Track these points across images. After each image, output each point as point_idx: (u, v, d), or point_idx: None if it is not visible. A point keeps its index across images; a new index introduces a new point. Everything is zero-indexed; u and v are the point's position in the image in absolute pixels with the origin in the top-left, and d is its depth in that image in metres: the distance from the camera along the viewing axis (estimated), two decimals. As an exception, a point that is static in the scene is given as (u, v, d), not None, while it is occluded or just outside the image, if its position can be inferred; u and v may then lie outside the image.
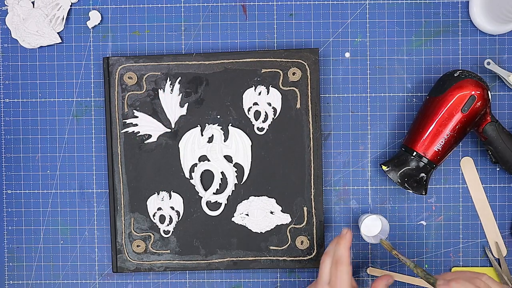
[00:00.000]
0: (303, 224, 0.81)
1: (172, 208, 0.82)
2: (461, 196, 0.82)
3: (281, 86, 0.81)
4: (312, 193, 0.81)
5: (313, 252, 0.81)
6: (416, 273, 0.71)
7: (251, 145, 0.82)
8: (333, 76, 0.83)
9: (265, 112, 0.81)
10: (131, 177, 0.82)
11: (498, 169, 0.82)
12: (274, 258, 0.82)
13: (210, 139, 0.82)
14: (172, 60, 0.81)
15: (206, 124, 0.82)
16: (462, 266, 0.82)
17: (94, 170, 0.84)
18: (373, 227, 0.76)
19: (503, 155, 0.78)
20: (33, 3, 0.83)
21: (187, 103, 0.81)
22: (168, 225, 0.82)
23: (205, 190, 0.82)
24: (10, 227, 0.84)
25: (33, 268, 0.84)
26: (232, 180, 0.82)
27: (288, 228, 0.81)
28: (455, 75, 0.76)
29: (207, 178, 0.82)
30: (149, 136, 0.82)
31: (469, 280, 0.65)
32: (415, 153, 0.77)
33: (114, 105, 0.82)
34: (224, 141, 0.81)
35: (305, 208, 0.81)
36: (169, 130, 0.82)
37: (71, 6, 0.83)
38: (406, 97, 0.83)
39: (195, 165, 0.82)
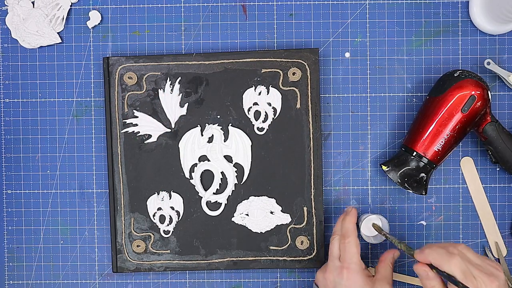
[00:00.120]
0: (303, 224, 0.81)
1: (172, 208, 0.82)
2: (461, 196, 0.82)
3: (281, 86, 0.81)
4: (312, 193, 0.81)
5: (313, 252, 0.81)
6: (400, 248, 0.72)
7: (251, 145, 0.82)
8: (333, 76, 0.83)
9: (265, 112, 0.81)
10: (131, 177, 0.82)
11: (498, 169, 0.82)
12: (274, 258, 0.82)
13: (210, 139, 0.82)
14: (172, 60, 0.81)
15: (206, 124, 0.82)
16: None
17: (94, 170, 0.84)
18: (372, 227, 0.77)
19: (503, 155, 0.78)
20: (33, 3, 0.83)
21: (187, 103, 0.81)
22: (168, 225, 0.82)
23: (205, 190, 0.82)
24: (10, 227, 0.84)
25: (33, 268, 0.84)
26: (232, 180, 0.82)
27: (288, 228, 0.81)
28: (455, 75, 0.76)
29: (207, 178, 0.82)
30: (149, 136, 0.82)
31: (443, 247, 0.66)
32: (415, 153, 0.77)
33: (114, 105, 0.82)
34: (224, 141, 0.81)
35: (305, 208, 0.81)
36: (169, 130, 0.82)
37: (71, 6, 0.83)
38: (406, 97, 0.83)
39: (195, 165, 0.82)
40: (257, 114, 0.81)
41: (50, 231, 0.84)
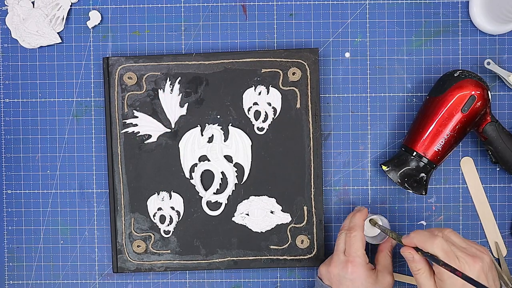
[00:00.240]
0: (303, 224, 0.81)
1: (173, 208, 0.82)
2: (461, 196, 0.82)
3: (281, 86, 0.81)
4: (312, 192, 0.81)
5: (313, 251, 0.81)
6: (391, 236, 0.73)
7: (251, 145, 0.82)
8: (333, 76, 0.83)
9: (265, 112, 0.81)
10: (131, 177, 0.82)
11: (498, 169, 0.82)
12: (275, 257, 0.82)
13: (210, 139, 0.82)
14: (172, 60, 0.81)
15: (206, 124, 0.82)
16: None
17: (94, 170, 0.84)
18: (373, 227, 0.77)
19: (503, 155, 0.78)
20: (33, 3, 0.83)
21: (187, 103, 0.81)
22: (168, 225, 0.82)
23: (205, 190, 0.82)
24: (10, 227, 0.84)
25: (33, 268, 0.84)
26: (232, 180, 0.82)
27: (288, 228, 0.81)
28: (455, 75, 0.76)
29: (207, 178, 0.82)
30: (149, 136, 0.82)
31: (429, 231, 0.69)
32: (415, 153, 0.77)
33: (114, 105, 0.81)
34: (224, 141, 0.82)
35: (305, 208, 0.81)
36: (169, 130, 0.82)
37: (71, 6, 0.83)
38: (406, 97, 0.83)
39: (195, 165, 0.82)
40: (257, 114, 0.81)
41: (50, 231, 0.84)
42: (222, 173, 0.82)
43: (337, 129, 0.83)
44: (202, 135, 0.82)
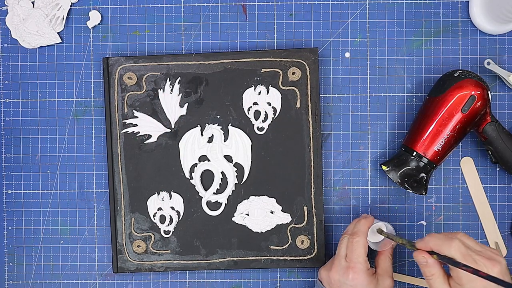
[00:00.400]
0: (303, 224, 0.81)
1: (173, 208, 0.82)
2: (461, 196, 0.82)
3: (280, 86, 0.81)
4: (312, 192, 0.81)
5: (314, 251, 0.81)
6: (402, 243, 0.71)
7: (251, 145, 0.82)
8: (333, 76, 0.83)
9: (265, 111, 0.81)
10: (131, 177, 0.82)
11: (498, 169, 0.82)
12: (275, 257, 0.82)
13: (210, 139, 0.82)
14: (172, 60, 0.81)
15: (206, 124, 0.82)
16: (462, 266, 0.82)
17: (94, 170, 0.84)
18: (377, 233, 0.76)
19: (503, 155, 0.78)
20: (33, 3, 0.83)
21: (187, 103, 0.81)
22: (168, 225, 0.82)
23: (205, 190, 0.82)
24: (10, 227, 0.84)
25: (33, 268, 0.84)
26: (232, 180, 0.82)
27: (289, 228, 0.81)
28: (455, 75, 0.76)
29: (207, 178, 0.82)
30: (149, 136, 0.82)
31: (444, 234, 0.67)
32: (415, 153, 0.77)
33: (114, 105, 0.81)
34: (224, 141, 0.82)
35: (305, 208, 0.81)
36: (169, 130, 0.82)
37: (71, 6, 0.83)
38: (406, 97, 0.83)
39: (195, 165, 0.82)
40: (257, 114, 0.81)
41: (50, 231, 0.84)
42: (222, 173, 0.82)
43: (337, 129, 0.83)
44: (202, 135, 0.82)
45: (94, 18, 0.83)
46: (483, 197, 0.82)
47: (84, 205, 0.84)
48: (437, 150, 0.77)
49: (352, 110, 0.83)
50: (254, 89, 0.81)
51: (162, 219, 0.82)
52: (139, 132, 0.82)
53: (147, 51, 0.83)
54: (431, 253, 0.66)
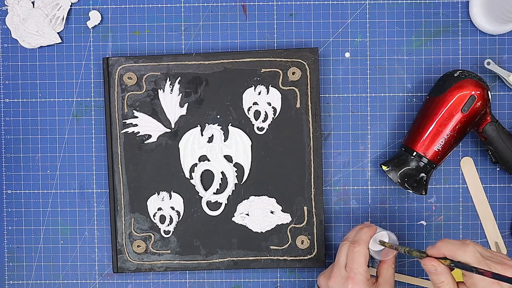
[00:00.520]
0: (303, 224, 0.81)
1: (173, 208, 0.82)
2: (461, 196, 0.82)
3: (280, 86, 0.81)
4: (312, 192, 0.81)
5: (314, 251, 0.81)
6: (411, 254, 0.68)
7: (251, 145, 0.82)
8: (333, 76, 0.83)
9: (265, 111, 0.81)
10: (131, 177, 0.82)
11: (498, 169, 0.82)
12: (275, 257, 0.82)
13: (210, 139, 0.82)
14: (172, 60, 0.81)
15: (206, 124, 0.82)
16: (462, 266, 0.82)
17: (94, 170, 0.84)
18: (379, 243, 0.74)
19: (503, 155, 0.78)
20: (33, 3, 0.83)
21: (187, 103, 0.81)
22: (168, 225, 0.82)
23: (205, 190, 0.82)
24: (10, 227, 0.84)
25: (33, 268, 0.84)
26: (232, 180, 0.82)
27: (289, 228, 0.81)
28: (455, 75, 0.76)
29: (207, 178, 0.82)
30: (149, 136, 0.82)
31: (456, 240, 0.65)
32: (415, 153, 0.77)
33: (114, 105, 0.82)
34: (224, 141, 0.82)
35: (305, 208, 0.81)
36: (169, 130, 0.82)
37: (71, 6, 0.83)
38: (406, 97, 0.83)
39: (195, 165, 0.82)
40: (257, 114, 0.81)
41: (50, 231, 0.84)
42: (222, 173, 0.82)
43: (337, 129, 0.83)
44: (202, 135, 0.82)
45: (94, 18, 0.83)
46: (483, 197, 0.82)
47: (84, 205, 0.84)
48: (437, 150, 0.77)
49: (352, 110, 0.83)
50: (254, 89, 0.81)
51: (162, 219, 0.82)
52: (139, 132, 0.82)
53: (147, 51, 0.83)
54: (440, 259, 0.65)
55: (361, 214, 0.82)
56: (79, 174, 0.84)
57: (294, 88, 0.81)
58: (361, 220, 0.83)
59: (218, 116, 0.81)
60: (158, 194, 0.82)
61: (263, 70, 0.81)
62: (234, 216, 0.82)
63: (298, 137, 0.81)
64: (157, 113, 0.82)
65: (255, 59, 0.81)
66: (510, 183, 0.82)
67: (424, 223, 0.83)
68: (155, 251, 0.82)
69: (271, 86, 0.81)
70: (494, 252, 0.66)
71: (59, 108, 0.84)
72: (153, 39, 0.83)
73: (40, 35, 0.82)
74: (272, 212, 0.81)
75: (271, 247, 0.82)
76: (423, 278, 0.82)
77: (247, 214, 0.82)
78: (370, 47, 0.83)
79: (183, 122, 0.82)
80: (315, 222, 0.81)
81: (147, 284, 0.84)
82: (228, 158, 0.82)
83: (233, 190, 0.82)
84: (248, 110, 0.81)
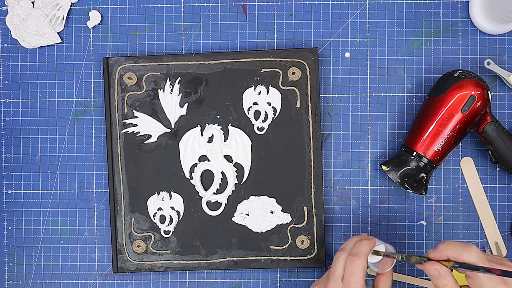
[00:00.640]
0: (303, 224, 0.81)
1: (173, 208, 0.82)
2: (461, 196, 0.82)
3: (280, 86, 0.81)
4: (312, 192, 0.81)
5: (314, 251, 0.81)
6: (411, 261, 0.67)
7: (251, 145, 0.82)
8: (333, 76, 0.83)
9: (265, 111, 0.81)
10: (131, 177, 0.82)
11: (498, 169, 0.82)
12: (275, 257, 0.82)
13: (210, 139, 0.82)
14: (172, 60, 0.81)
15: (206, 124, 0.82)
16: (462, 266, 0.82)
17: (94, 170, 0.84)
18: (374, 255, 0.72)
19: (503, 155, 0.78)
20: (33, 3, 0.83)
21: (187, 103, 0.81)
22: (168, 225, 0.82)
23: (205, 190, 0.82)
24: (10, 227, 0.84)
25: (33, 268, 0.84)
26: (232, 180, 0.82)
27: (289, 228, 0.81)
28: (455, 75, 0.76)
29: (207, 178, 0.82)
30: (149, 136, 0.82)
31: (458, 242, 0.65)
32: (415, 153, 0.77)
33: (114, 105, 0.82)
34: (224, 141, 0.82)
35: (305, 208, 0.81)
36: (169, 130, 0.82)
37: (71, 6, 0.83)
38: (406, 97, 0.83)
39: (195, 165, 0.82)
40: (257, 114, 0.81)
41: (50, 231, 0.84)
42: (222, 173, 0.82)
43: (337, 129, 0.83)
44: (202, 135, 0.82)
45: (94, 18, 0.83)
46: (483, 197, 0.82)
47: (84, 205, 0.84)
48: (437, 150, 0.77)
49: (352, 110, 0.83)
50: (254, 89, 0.81)
51: (162, 219, 0.82)
52: (139, 132, 0.82)
53: (147, 51, 0.83)
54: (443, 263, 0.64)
55: (361, 214, 0.82)
56: (79, 174, 0.84)
57: (294, 88, 0.81)
58: (361, 220, 0.83)
59: (218, 116, 0.81)
60: (158, 194, 0.82)
61: (263, 70, 0.81)
62: (234, 216, 0.82)
63: (298, 137, 0.81)
64: (157, 113, 0.82)
65: (255, 59, 0.81)
66: (510, 183, 0.82)
67: (424, 223, 0.83)
68: (155, 251, 0.82)
69: (271, 86, 0.81)
70: (493, 255, 0.66)
71: (59, 108, 0.84)
72: (153, 39, 0.83)
73: (40, 35, 0.82)
74: (272, 212, 0.81)
75: (271, 247, 0.82)
76: (423, 278, 0.82)
77: (247, 214, 0.82)
78: (370, 47, 0.83)
79: (183, 122, 0.82)
80: (315, 222, 0.81)
81: (147, 284, 0.84)
82: (228, 158, 0.82)
83: (233, 190, 0.82)
84: (248, 110, 0.81)
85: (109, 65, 0.81)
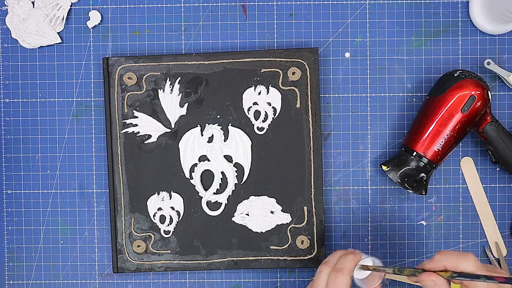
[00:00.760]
0: (303, 224, 0.81)
1: (173, 208, 0.82)
2: (461, 196, 0.82)
3: (280, 86, 0.81)
4: (312, 192, 0.81)
5: (314, 251, 0.81)
6: (404, 274, 0.65)
7: (251, 145, 0.82)
8: (333, 76, 0.83)
9: (265, 111, 0.81)
10: (131, 177, 0.82)
11: (498, 169, 0.82)
12: (275, 257, 0.82)
13: (210, 139, 0.82)
14: (172, 60, 0.81)
15: (206, 124, 0.82)
16: (462, 266, 0.82)
17: (94, 170, 0.84)
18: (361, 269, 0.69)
19: (503, 155, 0.78)
20: (33, 3, 0.83)
21: (187, 103, 0.81)
22: (168, 225, 0.82)
23: (205, 190, 0.82)
24: (10, 227, 0.84)
25: (33, 268, 0.84)
26: (232, 180, 0.82)
27: (289, 228, 0.81)
28: (455, 75, 0.76)
29: (207, 178, 0.82)
30: (149, 136, 0.82)
31: (454, 251, 0.63)
32: (415, 153, 0.77)
33: (114, 105, 0.82)
34: (224, 141, 0.82)
35: (305, 208, 0.81)
36: (169, 130, 0.82)
37: (71, 6, 0.83)
38: (406, 97, 0.83)
39: (195, 165, 0.82)
40: (257, 114, 0.81)
41: (50, 231, 0.84)
42: (222, 173, 0.82)
43: (337, 129, 0.83)
44: (202, 135, 0.82)
45: (94, 18, 0.83)
46: (483, 197, 0.82)
47: (84, 205, 0.84)
48: (437, 150, 0.77)
49: (352, 110, 0.83)
50: (254, 89, 0.81)
51: (162, 219, 0.82)
52: (139, 132, 0.82)
53: (147, 51, 0.83)
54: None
55: (361, 214, 0.82)
56: (79, 174, 0.84)
57: (294, 88, 0.81)
58: (361, 220, 0.83)
59: (218, 116, 0.81)
60: (158, 194, 0.82)
61: (263, 70, 0.81)
62: (234, 216, 0.82)
63: (298, 137, 0.81)
64: (157, 113, 0.82)
65: (255, 59, 0.81)
66: (510, 183, 0.82)
67: (424, 223, 0.83)
68: (155, 251, 0.82)
69: (271, 86, 0.81)
70: (486, 265, 0.64)
71: (59, 108, 0.84)
72: (153, 39, 0.83)
73: (40, 35, 0.82)
74: (272, 212, 0.81)
75: (271, 247, 0.82)
76: None
77: (247, 214, 0.82)
78: (370, 47, 0.83)
79: (183, 122, 0.82)
80: (315, 222, 0.81)
81: (147, 284, 0.84)
82: (228, 158, 0.82)
83: (233, 190, 0.82)
84: (248, 110, 0.81)
85: (109, 65, 0.81)
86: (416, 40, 0.82)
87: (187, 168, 0.82)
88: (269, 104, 0.81)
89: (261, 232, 0.82)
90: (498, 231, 0.82)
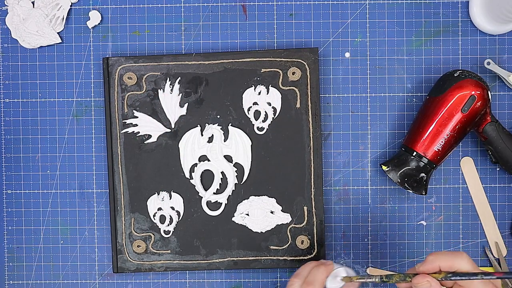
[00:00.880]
0: (303, 224, 0.81)
1: (173, 208, 0.82)
2: (461, 196, 0.82)
3: (280, 86, 0.81)
4: (312, 192, 0.81)
5: (314, 251, 0.81)
6: (393, 281, 0.63)
7: (251, 145, 0.82)
8: (333, 76, 0.83)
9: (265, 111, 0.81)
10: (131, 177, 0.82)
11: (498, 169, 0.82)
12: (275, 257, 0.82)
13: (210, 139, 0.82)
14: (172, 60, 0.81)
15: (206, 124, 0.82)
16: (462, 266, 0.82)
17: (94, 170, 0.84)
18: (335, 279, 0.67)
19: (503, 155, 0.78)
20: (33, 3, 0.83)
21: (187, 103, 0.81)
22: (168, 225, 0.82)
23: (205, 190, 0.82)
24: (10, 227, 0.84)
25: (33, 268, 0.84)
26: (232, 180, 0.82)
27: (289, 228, 0.81)
28: (455, 75, 0.76)
29: (207, 178, 0.82)
30: (149, 136, 0.82)
31: (446, 251, 0.63)
32: (415, 153, 0.77)
33: (114, 105, 0.82)
34: (224, 141, 0.82)
35: (305, 208, 0.81)
36: (169, 130, 0.82)
37: (71, 6, 0.83)
38: (406, 97, 0.83)
39: (195, 165, 0.82)
40: (257, 114, 0.81)
41: (50, 231, 0.84)
42: (222, 173, 0.82)
43: (337, 129, 0.83)
44: (202, 135, 0.82)
45: (94, 18, 0.83)
46: (483, 197, 0.82)
47: (84, 205, 0.84)
48: (437, 150, 0.77)
49: (352, 110, 0.83)
50: (254, 89, 0.81)
51: (162, 219, 0.82)
52: (139, 132, 0.82)
53: (147, 51, 0.83)
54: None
55: (361, 214, 0.82)
56: (79, 174, 0.84)
57: (294, 88, 0.81)
58: (361, 220, 0.83)
59: (218, 116, 0.81)
60: (158, 194, 0.82)
61: (263, 70, 0.81)
62: (234, 216, 0.82)
63: (298, 137, 0.81)
64: (157, 113, 0.82)
65: (255, 59, 0.81)
66: (510, 183, 0.83)
67: (424, 223, 0.83)
68: (155, 251, 0.82)
69: (271, 86, 0.81)
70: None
71: (59, 108, 0.84)
72: (153, 39, 0.83)
73: (40, 35, 0.82)
74: (272, 212, 0.81)
75: (271, 247, 0.82)
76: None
77: (247, 214, 0.82)
78: (370, 47, 0.83)
79: (183, 122, 0.82)
80: (315, 222, 0.81)
81: (147, 284, 0.84)
82: (228, 158, 0.82)
83: (233, 190, 0.82)
84: (248, 110, 0.81)
85: (109, 65, 0.81)
86: (416, 40, 0.82)
87: (187, 168, 0.82)
88: (269, 104, 0.81)
89: (261, 232, 0.82)
90: (498, 231, 0.82)
